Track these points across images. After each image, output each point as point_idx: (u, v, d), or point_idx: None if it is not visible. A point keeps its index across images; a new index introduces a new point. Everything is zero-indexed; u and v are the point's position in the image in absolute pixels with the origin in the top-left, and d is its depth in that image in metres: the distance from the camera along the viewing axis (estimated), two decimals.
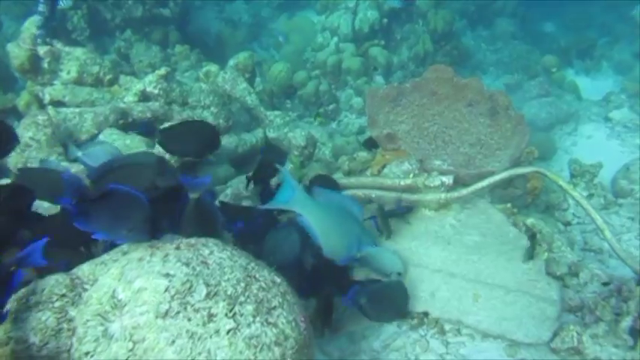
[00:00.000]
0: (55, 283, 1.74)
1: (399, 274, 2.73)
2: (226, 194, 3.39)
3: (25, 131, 3.25)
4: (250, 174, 3.16)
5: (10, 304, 1.68)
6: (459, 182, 3.20)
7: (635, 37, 7.20)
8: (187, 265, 1.74)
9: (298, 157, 4.10)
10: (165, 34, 5.98)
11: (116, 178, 2.06)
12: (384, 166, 3.42)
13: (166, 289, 1.66)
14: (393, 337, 2.65)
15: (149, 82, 3.95)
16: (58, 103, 3.83)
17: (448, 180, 3.08)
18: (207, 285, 1.70)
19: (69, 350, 1.65)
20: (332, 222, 2.51)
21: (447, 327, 2.67)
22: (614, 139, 5.20)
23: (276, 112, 4.62)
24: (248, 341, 1.63)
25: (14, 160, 3.20)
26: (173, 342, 1.58)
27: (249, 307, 1.70)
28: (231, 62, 4.80)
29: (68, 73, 3.93)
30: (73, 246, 2.11)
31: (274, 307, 1.75)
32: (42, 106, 3.84)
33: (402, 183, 3.14)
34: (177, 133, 2.81)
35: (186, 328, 1.60)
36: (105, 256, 1.90)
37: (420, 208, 3.10)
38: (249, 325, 1.66)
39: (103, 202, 1.87)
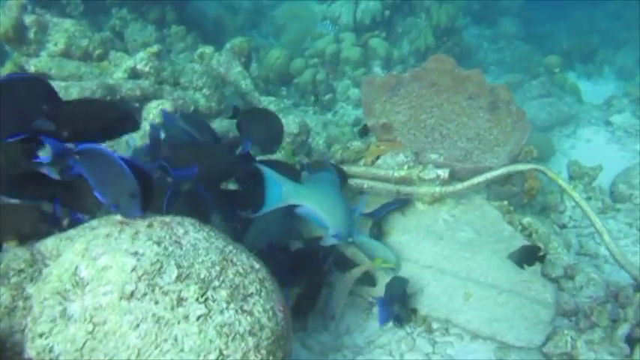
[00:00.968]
0: (12, 257, 1.61)
1: (393, 269, 2.63)
2: None
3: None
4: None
5: None
6: (455, 177, 3.08)
7: (638, 43, 7.11)
8: (159, 244, 1.60)
9: (290, 144, 3.96)
10: (162, 15, 5.81)
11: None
12: (378, 157, 3.29)
13: (133, 269, 1.52)
14: (377, 334, 2.53)
15: (140, 59, 3.80)
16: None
17: (444, 173, 2.96)
18: (179, 266, 1.56)
19: (23, 330, 1.51)
20: (329, 199, 2.41)
21: (434, 325, 2.55)
22: (613, 144, 5.08)
23: (271, 98, 4.49)
24: (219, 329, 1.49)
25: None
26: (137, 326, 1.44)
27: (223, 293, 1.57)
28: (228, 45, 4.65)
29: (55, 44, 3.77)
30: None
31: (251, 294, 1.62)
32: None
33: (396, 174, 3.01)
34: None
35: (153, 311, 1.47)
36: (72, 231, 1.77)
37: (413, 201, 2.98)
38: (221, 312, 1.52)
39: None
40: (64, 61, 3.78)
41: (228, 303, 1.55)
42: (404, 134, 3.34)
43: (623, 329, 2.38)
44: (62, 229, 1.82)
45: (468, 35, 7.44)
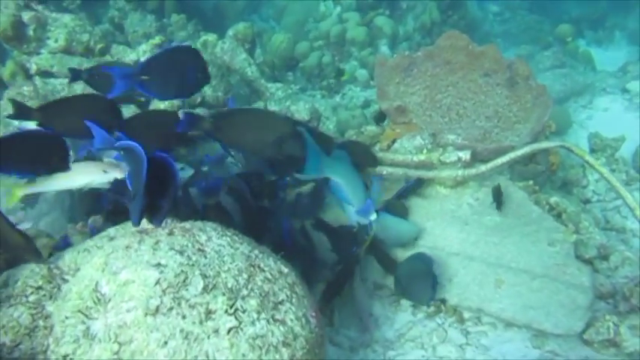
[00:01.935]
0: (29, 273, 1.52)
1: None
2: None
3: (8, 104, 3.01)
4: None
5: None
6: (477, 158, 2.97)
7: None
8: (181, 253, 1.51)
9: None
10: (161, 3, 5.68)
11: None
12: (394, 141, 3.18)
13: (157, 282, 1.43)
14: (407, 326, 2.44)
15: (143, 52, 3.72)
16: (45, 74, 3.58)
17: (465, 155, 2.84)
18: (205, 277, 1.47)
19: (45, 351, 1.43)
20: (353, 177, 2.52)
21: (466, 315, 2.46)
22: (632, 112, 4.93)
23: (278, 85, 4.37)
24: (252, 342, 1.41)
25: None
26: (165, 343, 1.36)
27: (253, 302, 1.48)
28: (230, 32, 4.52)
29: (56, 41, 3.66)
30: None
31: (281, 302, 1.53)
32: (28, 76, 3.58)
33: (415, 159, 2.90)
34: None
35: (181, 327, 1.38)
36: (89, 242, 1.68)
37: (435, 185, 2.87)
38: (253, 323, 1.44)
39: None
40: (66, 58, 3.68)
41: (259, 313, 1.46)
42: (419, 116, 3.22)
43: None
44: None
45: (472, 6, 7.26)
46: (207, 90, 3.78)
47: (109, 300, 1.43)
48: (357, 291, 2.44)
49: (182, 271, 1.47)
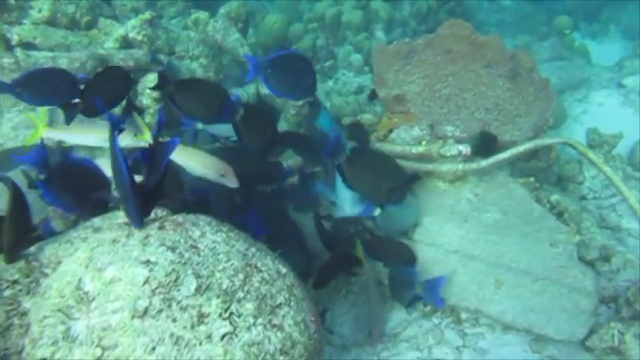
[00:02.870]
0: (4, 266, 1.40)
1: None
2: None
3: None
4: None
5: None
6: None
7: None
8: (173, 250, 1.40)
9: (295, 116, 3.73)
10: None
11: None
12: (390, 131, 3.08)
13: (146, 281, 1.32)
14: (402, 326, 2.36)
15: (132, 27, 3.55)
16: (28, 45, 3.40)
17: (465, 149, 2.74)
18: (198, 276, 1.36)
19: (20, 352, 1.31)
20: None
21: (463, 316, 2.37)
22: (627, 107, 4.86)
23: None
24: (247, 349, 1.30)
25: None
26: (153, 349, 1.25)
27: (249, 306, 1.37)
28: (223, 10, 4.36)
29: (39, 11, 3.48)
30: None
31: (279, 305, 1.43)
32: (9, 47, 3.41)
33: (414, 151, 2.80)
34: None
35: (171, 331, 1.27)
36: (72, 233, 1.55)
37: (433, 179, 2.77)
38: (248, 329, 1.33)
39: None
40: (50, 30, 3.50)
41: (255, 317, 1.36)
42: (418, 105, 3.12)
43: None
44: None
45: None
46: (197, 69, 3.64)
47: (93, 299, 1.31)
48: (372, 296, 2.31)
49: (173, 269, 1.35)
